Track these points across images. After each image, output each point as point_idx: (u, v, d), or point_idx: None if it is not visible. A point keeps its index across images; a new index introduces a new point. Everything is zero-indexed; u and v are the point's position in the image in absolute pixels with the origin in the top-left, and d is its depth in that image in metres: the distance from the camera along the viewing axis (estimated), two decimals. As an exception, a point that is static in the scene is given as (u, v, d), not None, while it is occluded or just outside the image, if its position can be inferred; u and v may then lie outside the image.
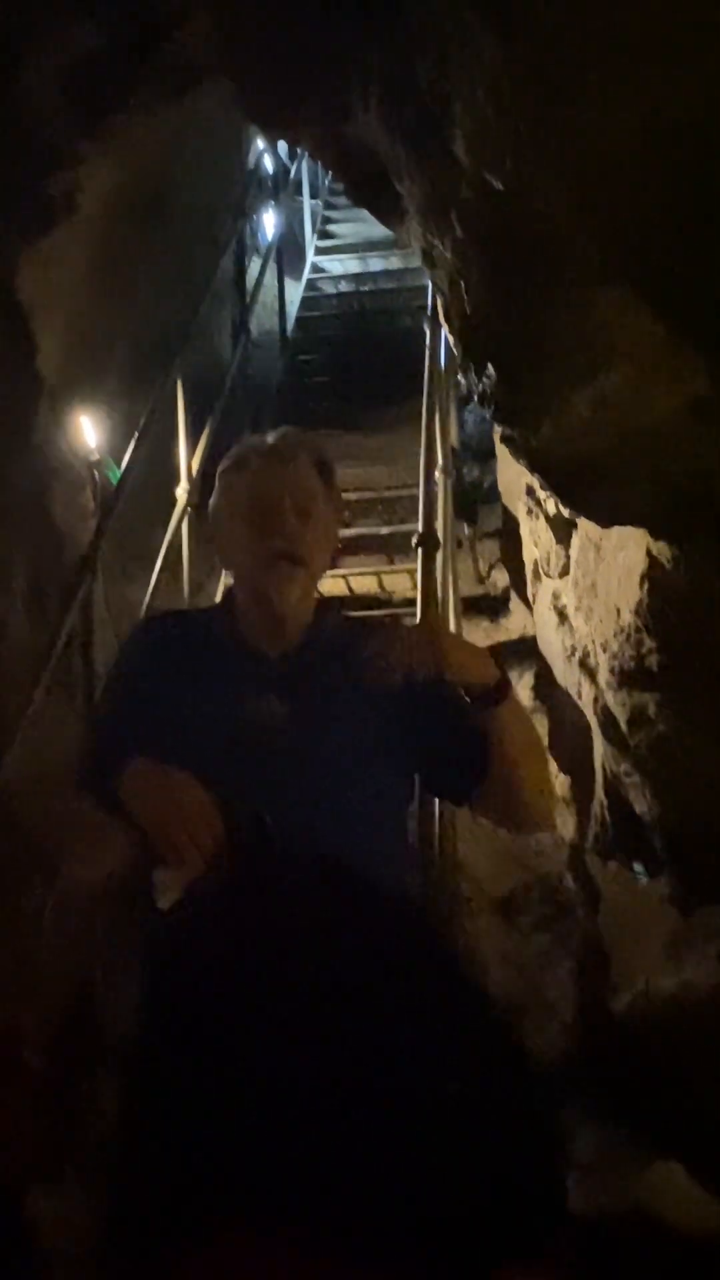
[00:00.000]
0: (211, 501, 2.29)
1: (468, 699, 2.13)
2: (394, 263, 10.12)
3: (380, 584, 6.27)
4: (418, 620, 4.00)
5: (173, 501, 5.56)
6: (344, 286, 10.49)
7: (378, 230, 8.82)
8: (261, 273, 8.99)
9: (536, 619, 4.77)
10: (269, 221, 9.76)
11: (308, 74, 3.31)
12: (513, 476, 4.74)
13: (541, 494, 4.10)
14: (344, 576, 6.13)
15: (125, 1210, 0.72)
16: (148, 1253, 0.70)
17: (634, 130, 2.23)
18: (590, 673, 3.82)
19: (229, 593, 2.34)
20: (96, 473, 5.58)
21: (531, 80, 2.30)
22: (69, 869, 2.49)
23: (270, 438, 2.28)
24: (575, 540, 3.91)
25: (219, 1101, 0.70)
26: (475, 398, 3.01)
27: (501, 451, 4.51)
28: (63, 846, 2.28)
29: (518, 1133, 0.71)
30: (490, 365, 2.80)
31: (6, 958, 3.13)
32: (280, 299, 9.27)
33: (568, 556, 4.04)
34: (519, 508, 4.71)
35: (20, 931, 3.42)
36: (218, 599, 3.62)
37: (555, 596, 4.24)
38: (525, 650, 5.20)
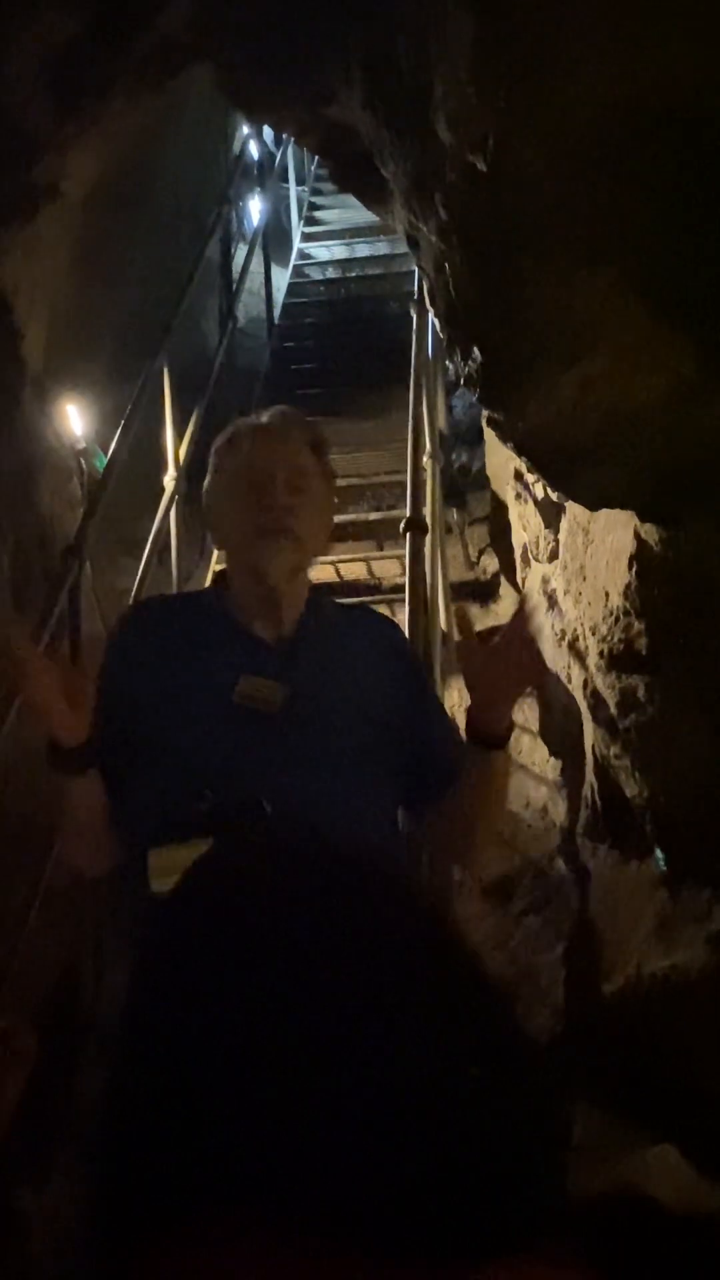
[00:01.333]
0: (206, 481, 2.29)
1: (469, 729, 2.12)
2: (381, 248, 10.11)
3: (369, 570, 6.27)
4: (407, 606, 4.00)
5: (160, 489, 5.55)
6: (331, 273, 10.48)
7: (364, 216, 8.81)
8: (248, 260, 8.97)
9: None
10: (255, 208, 9.74)
11: (289, 57, 3.30)
12: (501, 461, 4.74)
13: (530, 478, 4.09)
14: (333, 563, 6.12)
15: (111, 1198, 0.71)
16: (132, 1242, 0.69)
17: (616, 107, 2.22)
18: (580, 656, 3.81)
19: (221, 574, 2.33)
20: (83, 461, 5.57)
21: (511, 59, 2.29)
22: (70, 867, 2.50)
23: (264, 416, 2.28)
24: (564, 524, 3.91)
25: (209, 1085, 0.69)
26: (462, 381, 3.00)
27: (490, 436, 4.51)
28: (61, 842, 2.29)
29: (518, 1114, 0.71)
30: (476, 348, 2.79)
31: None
32: (267, 286, 9.25)
33: (556, 540, 4.03)
34: (508, 492, 4.71)
35: (8, 918, 3.42)
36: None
37: (544, 581, 4.24)
38: (514, 635, 5.19)
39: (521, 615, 2.14)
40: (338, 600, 2.60)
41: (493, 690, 2.09)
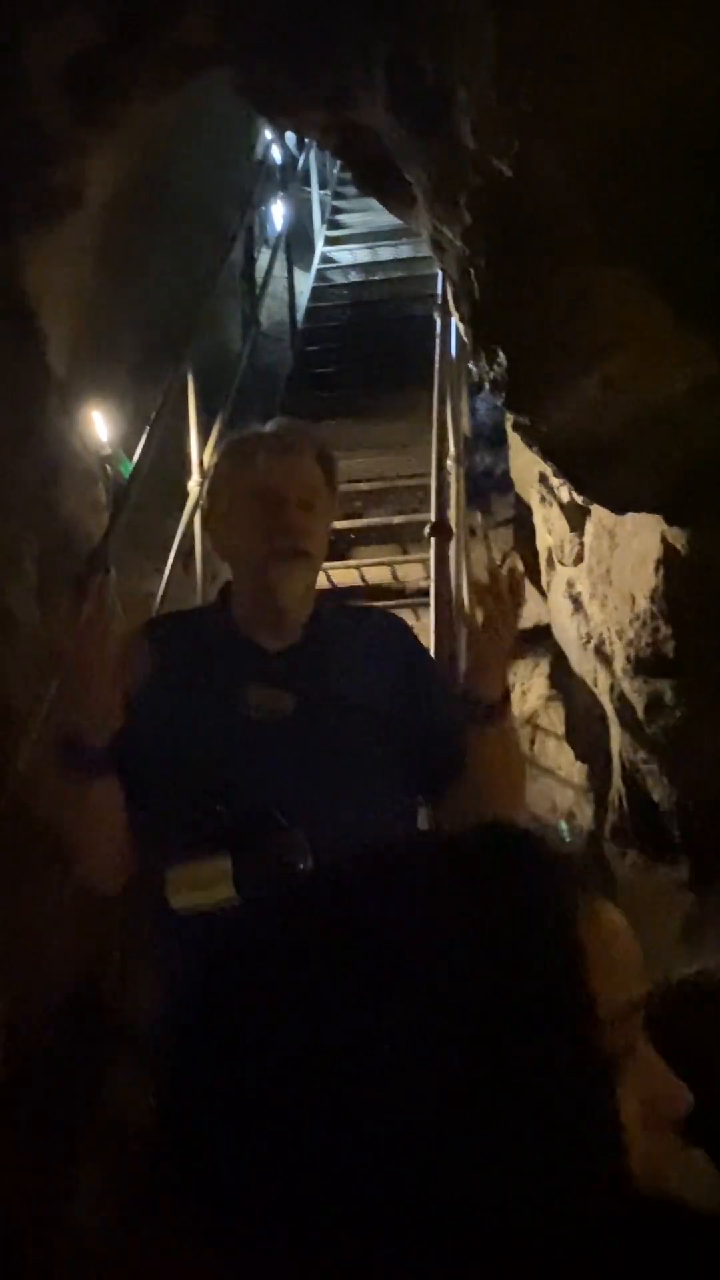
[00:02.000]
0: (210, 490, 2.27)
1: (467, 708, 2.11)
2: (403, 251, 10.08)
3: (393, 574, 6.25)
4: (432, 610, 3.99)
5: (184, 494, 5.55)
6: (353, 276, 10.46)
7: (387, 219, 8.77)
8: (270, 263, 8.96)
9: (551, 607, 4.75)
10: (278, 212, 9.73)
11: (310, 60, 3.30)
12: (525, 464, 4.72)
13: (554, 481, 4.08)
14: (356, 566, 6.11)
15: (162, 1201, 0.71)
16: (176, 1244, 0.69)
17: (638, 109, 2.21)
18: (606, 660, 3.80)
19: (227, 587, 2.32)
20: (108, 466, 5.57)
21: (533, 62, 2.29)
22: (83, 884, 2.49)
23: (271, 428, 2.26)
24: (589, 527, 3.89)
25: (266, 1102, 0.68)
26: (486, 384, 2.99)
27: (514, 439, 4.50)
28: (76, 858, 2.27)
29: (583, 1133, 0.69)
30: (500, 351, 2.78)
31: (21, 947, 3.13)
32: (290, 289, 9.24)
33: (582, 544, 4.02)
34: (532, 495, 4.69)
35: (35, 921, 3.42)
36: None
37: (570, 584, 4.22)
38: (540, 638, 5.18)
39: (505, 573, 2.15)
40: (341, 603, 2.58)
41: (481, 640, 2.11)
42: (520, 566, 2.24)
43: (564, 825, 4.03)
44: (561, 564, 4.33)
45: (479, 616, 2.10)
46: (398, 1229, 0.64)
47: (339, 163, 10.14)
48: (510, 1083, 0.67)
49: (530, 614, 5.50)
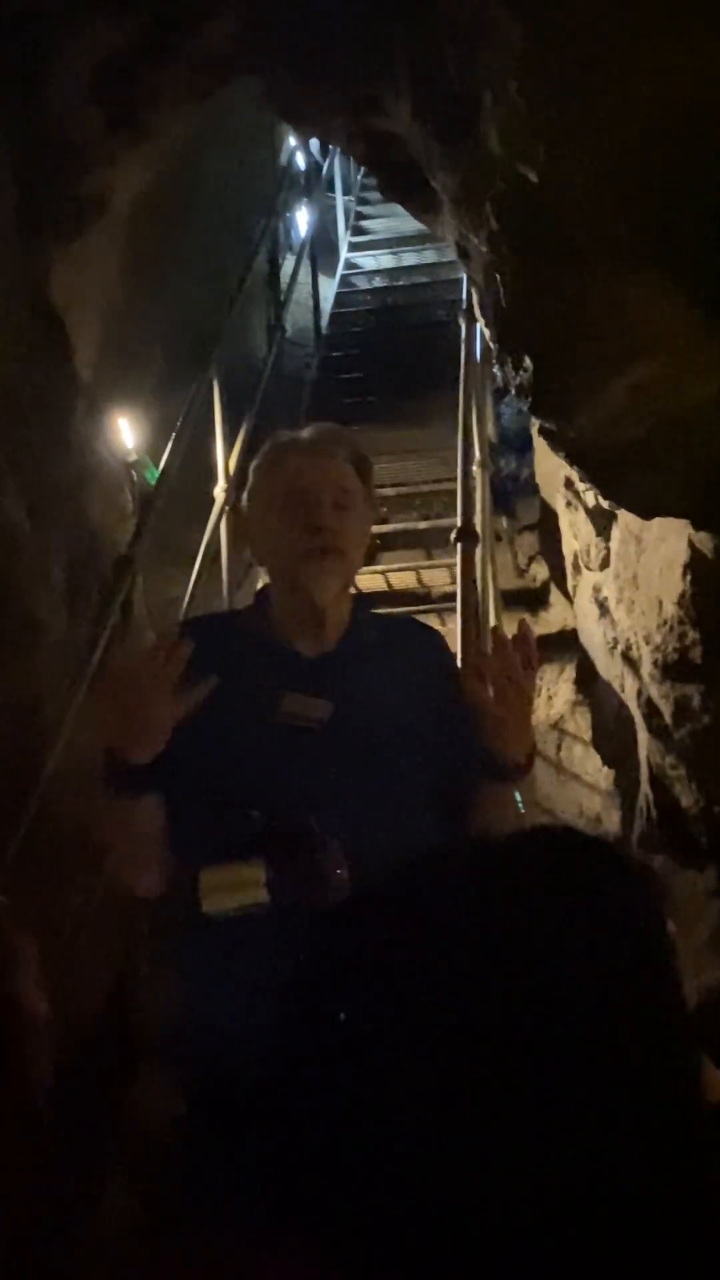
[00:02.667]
0: (246, 496, 2.27)
1: (490, 766, 2.08)
2: (428, 257, 10.11)
3: (419, 579, 6.26)
4: (459, 615, 3.98)
5: (210, 500, 5.57)
6: (378, 282, 10.47)
7: (411, 225, 8.79)
8: (295, 270, 8.99)
9: (577, 612, 4.74)
10: (302, 218, 9.76)
11: (337, 68, 3.31)
12: (551, 469, 4.72)
13: (580, 486, 4.07)
14: (382, 572, 6.12)
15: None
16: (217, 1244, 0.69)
17: (664, 114, 2.21)
18: (633, 665, 3.79)
19: (263, 592, 2.32)
20: (134, 473, 5.59)
21: (561, 69, 2.29)
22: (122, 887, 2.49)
23: (307, 432, 2.26)
24: (615, 532, 3.89)
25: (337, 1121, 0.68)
26: (511, 390, 2.99)
27: (539, 444, 4.49)
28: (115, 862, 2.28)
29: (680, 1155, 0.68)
30: (526, 356, 2.78)
31: (51, 951, 3.14)
32: (314, 296, 9.26)
33: (608, 549, 4.01)
34: (558, 500, 4.69)
35: (64, 925, 3.43)
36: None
37: (596, 589, 4.22)
38: (566, 643, 5.18)
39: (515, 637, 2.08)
40: (378, 611, 2.59)
41: (496, 712, 2.02)
42: (532, 629, 2.16)
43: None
44: (588, 569, 4.32)
45: (488, 691, 2.00)
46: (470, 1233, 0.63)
47: (363, 169, 10.19)
48: (615, 1091, 0.66)
49: (557, 619, 5.50)
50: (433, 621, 3.46)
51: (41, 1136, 0.98)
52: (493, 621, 4.95)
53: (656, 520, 3.28)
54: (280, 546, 2.15)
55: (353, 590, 2.30)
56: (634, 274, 2.46)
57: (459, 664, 2.39)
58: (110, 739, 1.96)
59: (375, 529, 5.81)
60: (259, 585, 2.50)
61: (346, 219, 11.19)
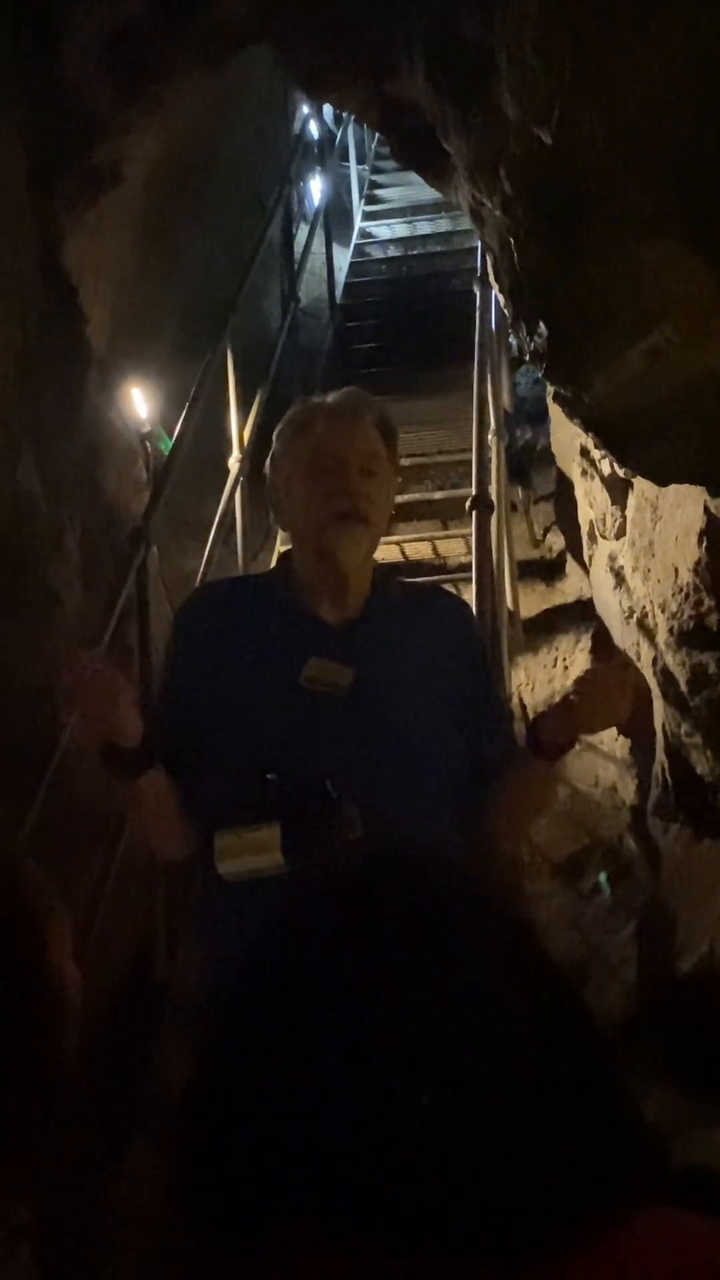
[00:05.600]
0: (270, 461, 2.26)
1: (535, 743, 2.09)
2: (442, 225, 10.07)
3: (434, 549, 6.25)
4: (474, 585, 3.98)
5: (225, 471, 5.56)
6: (392, 251, 10.43)
7: (425, 194, 8.77)
8: (309, 239, 8.96)
9: (593, 581, 4.73)
10: (316, 188, 9.72)
11: (350, 33, 3.29)
12: (567, 437, 4.70)
13: (596, 454, 4.06)
14: (398, 543, 6.11)
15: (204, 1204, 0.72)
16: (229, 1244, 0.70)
17: (683, 74, 2.18)
18: (649, 633, 3.78)
19: (285, 557, 2.32)
20: (148, 444, 5.58)
21: (576, 28, 2.26)
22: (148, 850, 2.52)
23: (332, 398, 2.26)
24: (631, 500, 3.87)
25: (292, 1072, 0.70)
26: (527, 356, 2.97)
27: (555, 412, 4.47)
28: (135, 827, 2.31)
29: (590, 1096, 0.71)
30: (541, 323, 2.76)
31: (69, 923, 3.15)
32: (328, 265, 9.22)
33: (624, 517, 4.00)
34: (573, 469, 4.67)
35: (82, 897, 3.45)
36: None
37: (612, 558, 4.21)
38: (582, 613, 5.17)
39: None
40: (404, 579, 2.58)
41: (580, 715, 2.05)
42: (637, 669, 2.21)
43: (603, 878, 4.07)
44: (603, 537, 4.31)
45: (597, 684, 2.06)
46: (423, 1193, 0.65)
47: (377, 137, 10.14)
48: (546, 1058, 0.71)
49: (573, 589, 5.50)
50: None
51: (69, 1101, 1.00)
52: (508, 592, 4.95)
53: (672, 487, 3.27)
54: (306, 512, 2.15)
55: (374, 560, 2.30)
56: (651, 237, 2.44)
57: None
58: (96, 739, 1.99)
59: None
60: (275, 556, 2.49)
61: (360, 188, 11.14)
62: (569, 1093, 0.69)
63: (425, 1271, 0.64)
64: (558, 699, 2.12)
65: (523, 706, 4.83)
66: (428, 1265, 0.64)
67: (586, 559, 4.83)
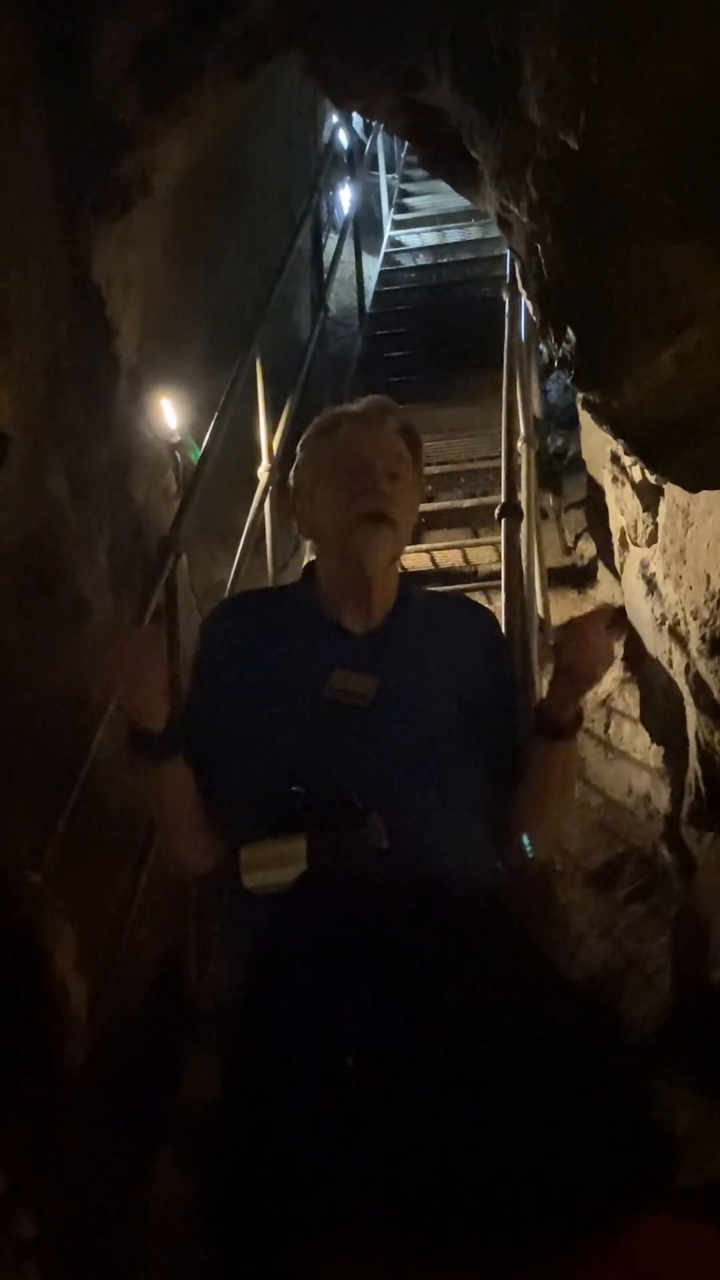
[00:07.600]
0: (295, 468, 2.26)
1: (542, 724, 2.09)
2: (472, 233, 10.09)
3: (464, 557, 6.24)
4: (503, 592, 3.96)
5: (254, 481, 5.57)
6: (422, 259, 10.44)
7: (455, 202, 8.77)
8: (339, 248, 8.98)
9: (625, 588, 4.71)
10: (345, 197, 9.74)
11: (378, 39, 3.28)
12: (597, 444, 4.69)
13: (626, 461, 4.04)
14: (428, 550, 6.11)
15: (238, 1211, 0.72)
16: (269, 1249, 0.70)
17: (710, 78, 2.16)
18: (681, 641, 3.76)
19: (310, 568, 2.32)
20: (178, 453, 5.59)
21: (602, 32, 2.25)
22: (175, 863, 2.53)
23: (357, 405, 2.26)
24: (663, 507, 3.85)
25: (321, 1087, 0.70)
26: (556, 363, 2.96)
27: (585, 419, 4.45)
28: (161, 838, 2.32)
29: (605, 1101, 0.72)
30: (570, 329, 2.75)
31: (99, 934, 3.16)
32: (358, 274, 9.24)
33: (655, 524, 3.98)
34: (604, 476, 4.65)
35: (111, 908, 3.45)
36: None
37: (643, 565, 4.18)
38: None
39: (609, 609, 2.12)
40: (429, 589, 2.57)
41: (571, 672, 2.06)
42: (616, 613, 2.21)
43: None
44: (635, 544, 4.29)
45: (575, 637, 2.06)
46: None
47: (406, 146, 10.15)
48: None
49: (604, 596, 5.47)
50: (478, 599, 3.44)
51: (75, 1112, 1.00)
52: (539, 599, 4.93)
53: (704, 494, 3.25)
54: (331, 515, 2.15)
55: (400, 568, 2.30)
56: (680, 241, 2.42)
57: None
58: (128, 716, 2.01)
59: (421, 508, 5.83)
60: (304, 564, 2.49)
61: (390, 197, 11.16)
62: (583, 1105, 0.70)
63: (440, 1277, 0.64)
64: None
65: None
66: (443, 1271, 0.64)
67: (618, 566, 4.81)
